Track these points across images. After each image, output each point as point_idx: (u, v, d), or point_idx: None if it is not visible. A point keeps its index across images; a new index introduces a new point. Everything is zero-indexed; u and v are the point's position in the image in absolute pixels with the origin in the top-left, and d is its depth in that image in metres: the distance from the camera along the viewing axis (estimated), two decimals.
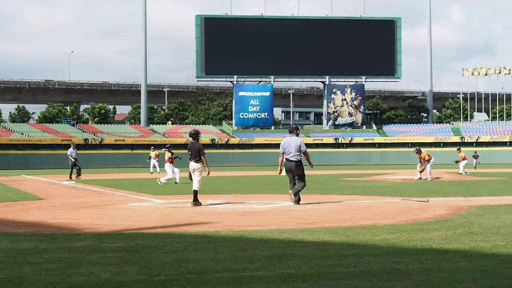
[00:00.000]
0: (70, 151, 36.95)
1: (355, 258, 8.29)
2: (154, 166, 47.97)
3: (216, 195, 20.17)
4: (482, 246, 9.35)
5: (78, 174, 36.22)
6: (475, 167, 53.77)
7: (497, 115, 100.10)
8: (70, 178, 35.72)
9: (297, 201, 17.20)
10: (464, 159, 40.50)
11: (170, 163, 30.54)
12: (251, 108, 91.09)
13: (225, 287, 6.68)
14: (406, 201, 17.94)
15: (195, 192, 17.25)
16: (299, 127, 19.42)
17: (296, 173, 17.29)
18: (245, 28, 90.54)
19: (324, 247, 9.34)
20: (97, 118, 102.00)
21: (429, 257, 8.35)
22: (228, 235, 10.85)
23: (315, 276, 7.14)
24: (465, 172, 39.72)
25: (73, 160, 36.51)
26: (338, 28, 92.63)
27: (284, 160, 17.58)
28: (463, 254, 8.72)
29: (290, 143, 17.45)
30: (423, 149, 34.59)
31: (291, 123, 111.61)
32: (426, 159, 32.83)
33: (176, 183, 29.09)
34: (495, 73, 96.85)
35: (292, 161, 17.27)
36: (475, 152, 61.44)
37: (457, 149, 42.52)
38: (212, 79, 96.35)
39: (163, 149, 32.41)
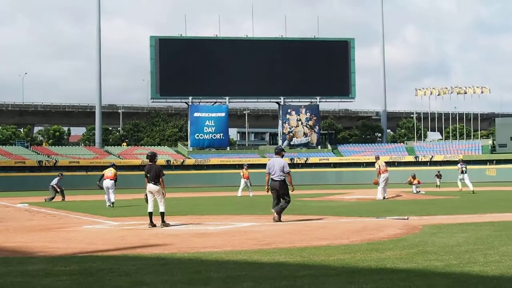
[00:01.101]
0: (56, 180, 38.03)
1: (309, 278, 8.29)
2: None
3: (172, 216, 20.03)
4: (436, 265, 9.41)
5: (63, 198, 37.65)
6: (438, 186, 53.94)
7: (450, 134, 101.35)
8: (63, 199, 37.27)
9: (279, 219, 18.10)
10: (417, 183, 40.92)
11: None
12: (206, 129, 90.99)
13: None
14: (360, 221, 18.02)
15: (162, 214, 17.52)
16: (284, 149, 20.50)
17: (281, 192, 18.47)
18: (200, 49, 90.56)
19: (279, 268, 9.33)
20: (51, 140, 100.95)
21: (383, 277, 8.38)
22: (183, 257, 10.79)
23: None
24: (419, 191, 39.87)
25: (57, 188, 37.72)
26: (293, 48, 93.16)
27: (270, 179, 18.77)
28: (416, 273, 8.76)
29: (275, 164, 18.64)
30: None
31: (247, 144, 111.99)
32: (379, 170, 32.81)
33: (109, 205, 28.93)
34: (448, 93, 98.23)
35: (277, 180, 18.48)
36: (438, 171, 61.68)
37: (412, 176, 42.76)
38: (167, 100, 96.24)
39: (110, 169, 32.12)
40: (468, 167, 78.13)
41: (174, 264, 9.96)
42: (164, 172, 18.18)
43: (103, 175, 30.61)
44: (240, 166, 43.67)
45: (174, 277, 8.61)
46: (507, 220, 17.52)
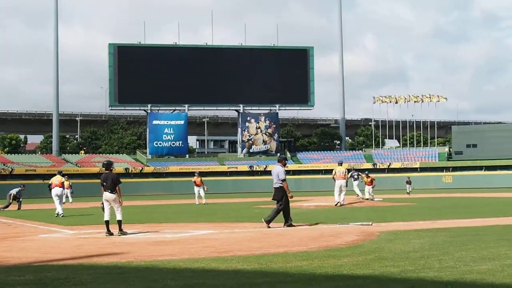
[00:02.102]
0: (17, 191, 38.65)
1: (267, 286, 8.31)
2: (67, 196, 47.27)
3: (129, 225, 19.91)
4: (392, 271, 9.49)
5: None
6: (408, 192, 53.97)
7: (408, 142, 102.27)
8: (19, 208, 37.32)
9: (267, 223, 18.96)
10: (369, 184, 40.78)
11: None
12: (165, 137, 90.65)
13: None
14: (318, 228, 18.10)
15: (120, 222, 17.42)
16: (287, 157, 20.98)
17: (275, 197, 19.28)
18: (159, 57, 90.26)
19: (237, 276, 9.33)
20: (7, 148, 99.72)
21: (340, 283, 8.43)
22: (140, 266, 10.73)
23: None
24: (373, 197, 39.73)
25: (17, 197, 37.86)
26: (252, 56, 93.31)
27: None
28: (373, 279, 8.82)
29: (273, 172, 19.63)
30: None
31: (206, 151, 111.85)
32: (339, 175, 33.08)
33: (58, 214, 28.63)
34: (405, 101, 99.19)
35: (274, 187, 19.31)
36: (408, 177, 61.64)
37: (365, 174, 42.95)
38: (126, 108, 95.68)
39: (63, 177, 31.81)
40: (425, 174, 79.05)
41: (131, 272, 9.90)
42: (123, 180, 18.12)
43: (51, 183, 30.32)
44: (201, 174, 43.56)
45: (130, 286, 8.55)
46: (462, 226, 17.74)
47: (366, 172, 44.81)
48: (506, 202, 34.55)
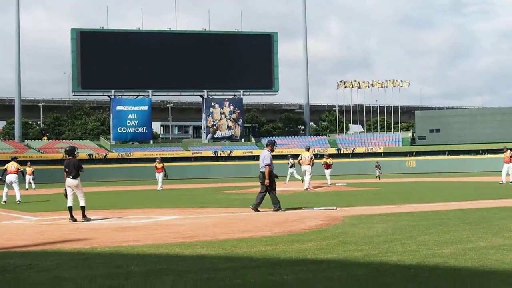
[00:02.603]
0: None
1: (231, 271, 8.30)
2: (30, 183, 46.98)
3: (93, 211, 19.79)
4: (356, 256, 9.54)
5: None
6: (378, 177, 53.90)
7: (372, 127, 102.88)
8: None
9: (254, 208, 19.04)
10: (328, 167, 40.92)
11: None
12: (129, 123, 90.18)
13: None
14: (282, 213, 18.14)
15: (83, 208, 17.34)
16: (275, 142, 20.87)
17: (260, 181, 19.56)
18: (122, 42, 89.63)
19: (201, 261, 9.32)
20: None
21: (304, 268, 8.45)
22: (104, 252, 10.68)
23: None
24: (331, 183, 39.81)
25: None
26: (216, 42, 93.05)
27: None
28: (337, 263, 8.87)
29: (260, 156, 19.76)
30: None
31: (170, 137, 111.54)
32: (304, 160, 33.47)
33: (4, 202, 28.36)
34: (369, 86, 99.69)
35: (260, 171, 19.46)
36: (377, 162, 61.47)
37: (326, 156, 43.19)
38: (89, 94, 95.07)
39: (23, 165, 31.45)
40: (389, 159, 79.60)
41: (95, 258, 9.84)
42: (86, 166, 17.99)
43: (6, 169, 29.93)
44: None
45: (94, 272, 8.50)
46: (425, 210, 17.89)
47: (327, 155, 45.05)
48: (468, 186, 34.92)
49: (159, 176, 40.26)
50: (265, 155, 19.38)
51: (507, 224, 13.51)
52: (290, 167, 43.66)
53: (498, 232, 12.03)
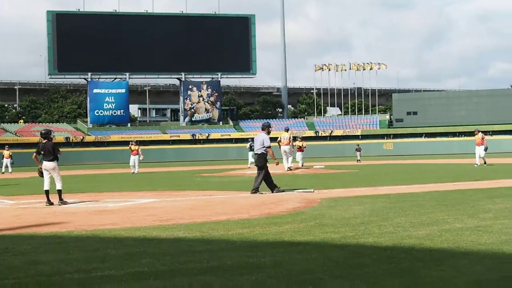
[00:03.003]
0: None
1: (208, 253, 8.31)
2: (7, 166, 46.75)
3: (70, 194, 19.69)
4: (333, 238, 9.57)
5: None
6: (358, 160, 53.98)
7: (349, 109, 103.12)
8: None
9: (254, 191, 18.89)
10: (300, 150, 40.86)
11: None
12: (106, 106, 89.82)
13: None
14: (260, 195, 18.17)
15: (60, 192, 17.22)
16: (271, 124, 20.89)
17: (257, 164, 19.32)
18: (98, 24, 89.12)
19: (178, 244, 9.32)
20: None
21: (281, 250, 8.48)
22: (81, 235, 10.64)
23: (168, 273, 7.11)
24: (303, 165, 39.75)
25: None
26: (193, 24, 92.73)
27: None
28: (314, 245, 8.89)
29: (257, 139, 19.62)
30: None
31: (148, 120, 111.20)
32: (283, 141, 33.66)
33: None
34: (346, 69, 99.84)
35: (256, 153, 19.38)
36: (358, 145, 61.32)
37: (299, 138, 43.23)
38: (66, 76, 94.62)
39: None
40: (367, 141, 79.96)
41: (71, 242, 9.80)
42: (63, 149, 17.91)
43: None
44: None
45: (70, 255, 8.47)
46: (402, 192, 17.98)
47: (300, 138, 45.14)
48: (445, 169, 35.15)
49: (135, 159, 39.93)
50: (264, 137, 19.42)
51: (482, 205, 13.61)
52: (251, 150, 43.82)
53: (474, 214, 12.12)
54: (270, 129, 20.08)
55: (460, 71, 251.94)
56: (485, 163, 36.48)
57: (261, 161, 19.21)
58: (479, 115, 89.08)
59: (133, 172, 38.86)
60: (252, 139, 47.52)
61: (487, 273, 6.71)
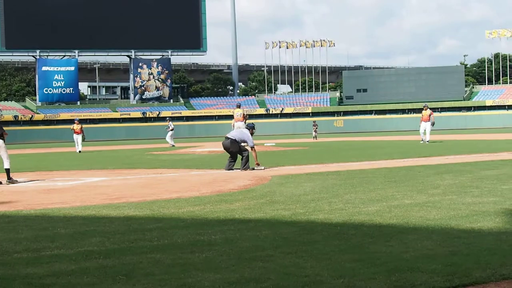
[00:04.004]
0: None
1: (159, 231, 8.29)
2: None
3: (19, 173, 19.45)
4: (283, 215, 9.61)
5: None
6: (315, 137, 53.56)
7: (300, 87, 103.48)
8: None
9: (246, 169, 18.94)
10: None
11: None
12: (55, 84, 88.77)
13: (24, 267, 6.45)
14: (211, 173, 18.18)
15: (8, 171, 16.94)
16: (254, 126, 20.97)
17: (233, 149, 19.18)
18: (46, 1, 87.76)
19: (128, 222, 9.27)
20: None
21: (232, 227, 8.48)
22: (29, 214, 10.51)
23: (118, 252, 7.07)
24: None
25: None
26: (143, 1, 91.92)
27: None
28: (264, 223, 8.92)
29: (238, 130, 20.29)
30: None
31: (97, 98, 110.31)
32: (235, 117, 33.64)
33: None
34: (297, 46, 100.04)
35: (229, 138, 19.31)
36: (314, 121, 60.83)
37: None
38: (13, 54, 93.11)
39: None
40: (317, 118, 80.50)
41: (20, 221, 9.68)
42: (11, 128, 17.66)
43: None
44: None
45: (19, 234, 8.38)
46: (352, 169, 18.12)
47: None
48: (394, 145, 35.49)
49: (78, 138, 39.48)
50: (248, 136, 19.57)
51: (431, 181, 13.79)
52: (171, 130, 44.68)
53: (422, 190, 12.27)
54: (253, 130, 20.26)
55: (411, 48, 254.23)
56: (428, 141, 36.31)
57: (236, 146, 19.23)
58: (428, 92, 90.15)
59: (78, 151, 38.48)
60: (170, 117, 47.57)
61: (436, 248, 6.81)
